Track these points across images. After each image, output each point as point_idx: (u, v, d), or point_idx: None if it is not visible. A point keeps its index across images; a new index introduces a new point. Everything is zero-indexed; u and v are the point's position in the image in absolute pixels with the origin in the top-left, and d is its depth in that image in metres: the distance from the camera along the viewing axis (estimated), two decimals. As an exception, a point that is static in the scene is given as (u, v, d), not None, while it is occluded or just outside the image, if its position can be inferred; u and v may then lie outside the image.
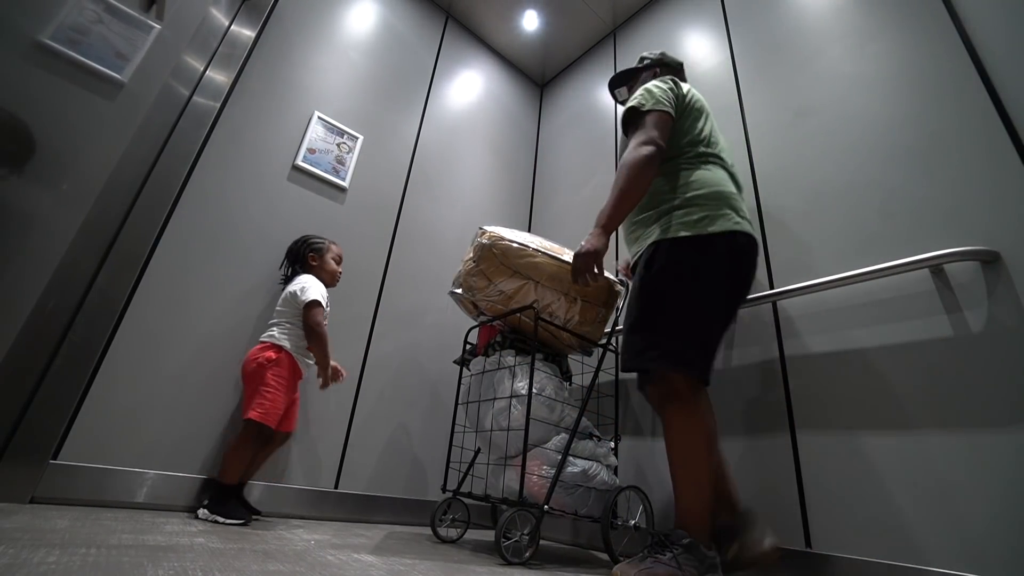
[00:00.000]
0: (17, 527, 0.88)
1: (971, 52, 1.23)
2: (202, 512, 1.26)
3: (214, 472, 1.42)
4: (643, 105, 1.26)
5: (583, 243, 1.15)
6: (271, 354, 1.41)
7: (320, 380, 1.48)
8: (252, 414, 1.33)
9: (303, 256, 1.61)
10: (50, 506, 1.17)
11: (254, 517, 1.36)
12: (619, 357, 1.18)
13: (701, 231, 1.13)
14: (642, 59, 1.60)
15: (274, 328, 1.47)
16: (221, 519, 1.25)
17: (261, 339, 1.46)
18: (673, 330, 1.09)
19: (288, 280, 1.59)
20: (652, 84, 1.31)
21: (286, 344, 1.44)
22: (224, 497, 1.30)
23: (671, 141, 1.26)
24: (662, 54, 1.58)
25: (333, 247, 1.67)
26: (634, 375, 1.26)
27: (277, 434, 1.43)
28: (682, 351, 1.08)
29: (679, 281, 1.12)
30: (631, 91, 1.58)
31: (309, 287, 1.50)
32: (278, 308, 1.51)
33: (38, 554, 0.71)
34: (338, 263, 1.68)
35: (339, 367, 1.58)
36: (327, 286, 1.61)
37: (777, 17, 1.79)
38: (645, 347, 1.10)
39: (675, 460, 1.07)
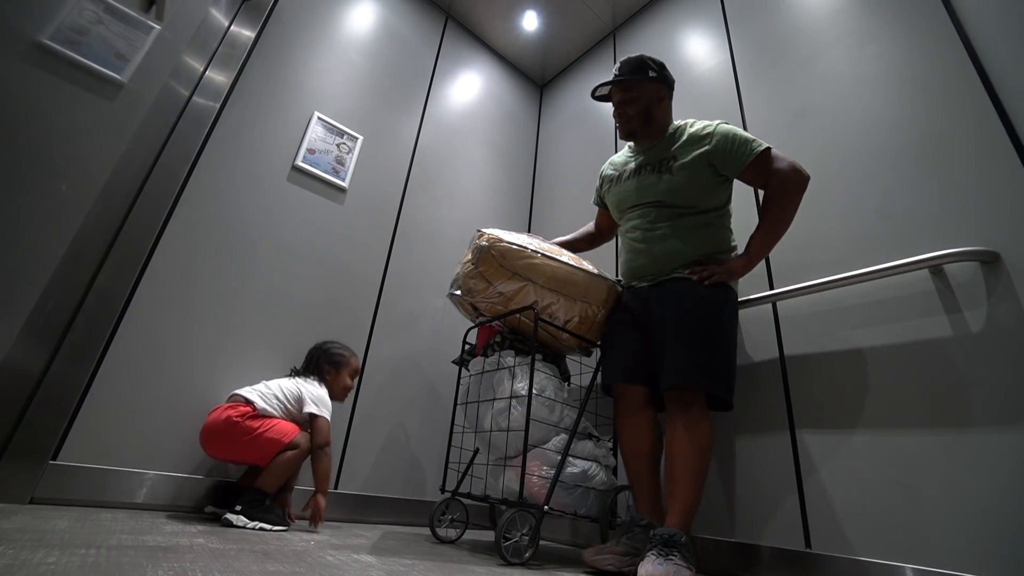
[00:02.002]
0: (17, 527, 0.88)
1: (971, 52, 1.23)
2: (238, 519, 1.21)
3: (215, 473, 1.42)
4: (763, 143, 1.28)
5: (732, 262, 1.27)
6: (251, 410, 1.32)
7: (309, 510, 1.33)
8: (274, 449, 1.30)
9: (320, 367, 1.53)
10: (50, 506, 1.17)
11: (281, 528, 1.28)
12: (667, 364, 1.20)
13: (736, 290, 1.32)
14: (645, 65, 1.39)
15: (261, 400, 1.35)
16: (268, 526, 1.23)
17: (242, 395, 1.35)
18: (734, 367, 1.24)
19: (298, 374, 1.51)
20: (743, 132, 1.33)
21: (269, 412, 1.35)
22: (262, 503, 1.27)
23: (730, 193, 1.39)
24: (664, 65, 1.43)
25: (353, 361, 1.59)
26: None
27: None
28: (734, 384, 1.23)
29: (734, 326, 1.28)
30: (629, 101, 1.39)
31: (326, 404, 1.43)
32: (279, 394, 1.39)
33: (38, 554, 0.71)
34: (352, 377, 1.60)
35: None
36: (334, 399, 1.53)
37: (777, 17, 1.79)
38: (720, 372, 1.19)
39: (693, 463, 1.13)
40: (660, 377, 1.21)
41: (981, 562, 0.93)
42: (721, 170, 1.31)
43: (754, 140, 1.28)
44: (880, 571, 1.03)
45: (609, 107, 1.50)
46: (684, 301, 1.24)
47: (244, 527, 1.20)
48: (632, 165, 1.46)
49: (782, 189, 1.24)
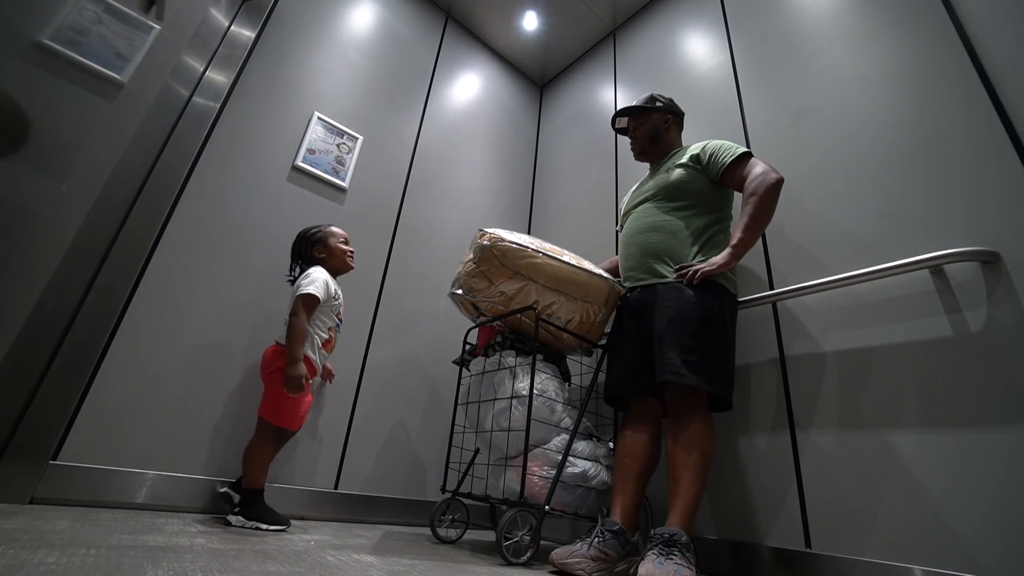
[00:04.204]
0: (17, 528, 0.88)
1: (971, 52, 1.23)
2: (236, 520, 1.23)
3: (214, 473, 1.42)
4: (739, 148, 1.39)
5: (714, 257, 1.28)
6: (276, 347, 1.39)
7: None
8: (270, 416, 1.32)
9: (308, 253, 1.53)
10: (50, 506, 1.16)
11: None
12: (662, 362, 1.21)
13: (737, 293, 1.36)
14: (653, 99, 1.61)
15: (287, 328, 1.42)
16: (264, 525, 1.23)
17: (277, 340, 1.41)
18: (731, 366, 1.26)
19: (292, 269, 1.55)
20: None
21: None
22: (256, 502, 1.27)
23: (727, 200, 1.46)
24: (672, 100, 1.63)
25: (333, 230, 1.58)
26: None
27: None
28: (732, 384, 1.25)
29: (731, 327, 1.31)
30: (639, 126, 1.61)
31: (309, 280, 1.40)
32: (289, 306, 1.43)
33: (38, 555, 0.71)
34: (341, 241, 1.58)
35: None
36: (342, 272, 1.56)
37: (777, 17, 1.79)
38: (715, 370, 1.20)
39: (694, 464, 1.14)
40: (656, 376, 1.22)
41: (981, 562, 0.93)
42: (707, 172, 1.42)
43: (736, 146, 1.40)
44: (880, 571, 1.03)
45: (609, 109, 1.56)
46: (674, 302, 1.26)
47: (243, 527, 1.21)
48: (645, 182, 1.60)
49: (755, 189, 1.30)
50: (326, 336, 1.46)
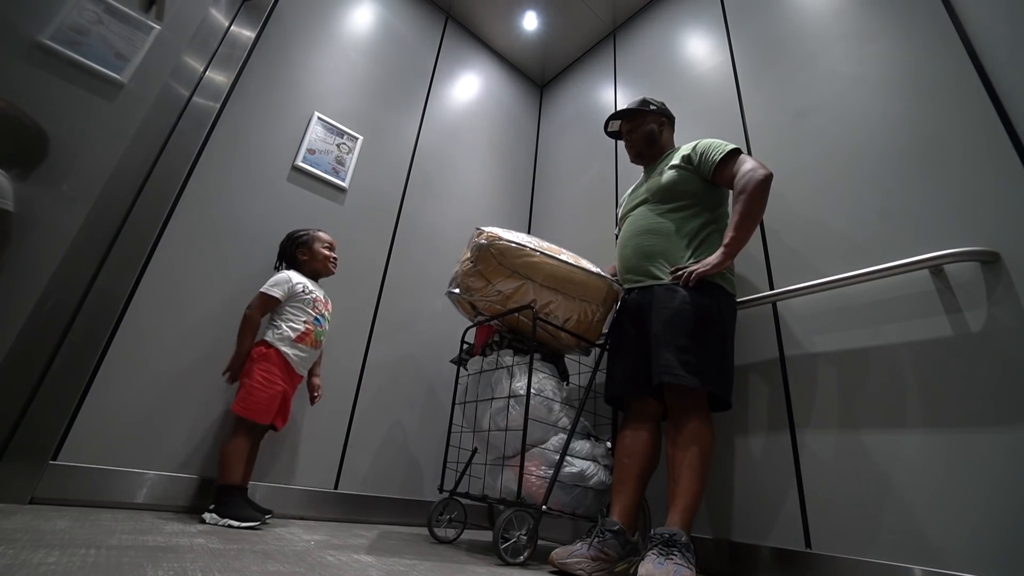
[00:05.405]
0: (17, 527, 0.89)
1: (971, 52, 1.23)
2: (209, 517, 1.21)
3: (214, 473, 1.42)
4: (728, 145, 1.39)
5: (707, 258, 1.28)
6: (261, 349, 1.40)
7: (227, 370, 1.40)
8: (237, 407, 1.33)
9: (292, 255, 1.59)
10: (50, 506, 1.17)
11: (266, 518, 1.30)
12: (659, 363, 1.20)
13: (735, 293, 1.35)
14: (646, 102, 1.61)
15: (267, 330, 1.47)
16: (235, 523, 1.21)
17: (262, 339, 1.44)
18: (729, 366, 1.26)
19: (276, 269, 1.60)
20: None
21: (273, 340, 1.42)
22: (230, 499, 1.27)
23: (722, 199, 1.45)
24: (663, 103, 1.64)
25: (320, 235, 1.63)
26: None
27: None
28: (731, 383, 1.25)
29: (730, 327, 1.31)
30: (634, 129, 1.61)
31: (271, 281, 1.48)
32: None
33: (38, 555, 0.71)
34: (330, 249, 1.63)
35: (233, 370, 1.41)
36: (322, 275, 1.61)
37: (777, 17, 1.79)
38: (712, 370, 1.20)
39: (694, 464, 1.14)
40: (653, 377, 1.22)
41: (981, 562, 0.93)
42: (699, 171, 1.42)
43: (725, 143, 1.40)
44: (880, 571, 1.03)
45: (609, 109, 1.56)
46: (670, 303, 1.26)
47: (215, 524, 1.20)
48: (640, 185, 1.60)
49: (743, 186, 1.29)
50: (301, 329, 1.46)
